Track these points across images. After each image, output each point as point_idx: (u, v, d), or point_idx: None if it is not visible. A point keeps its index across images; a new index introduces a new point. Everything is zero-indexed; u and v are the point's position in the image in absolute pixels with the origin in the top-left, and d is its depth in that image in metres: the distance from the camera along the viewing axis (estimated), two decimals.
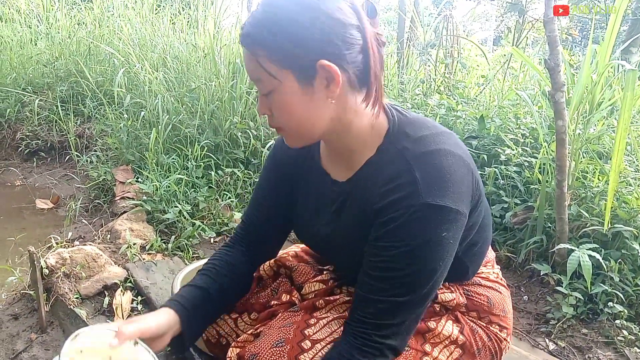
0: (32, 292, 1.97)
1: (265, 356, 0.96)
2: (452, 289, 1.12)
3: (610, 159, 2.55)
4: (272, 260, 1.27)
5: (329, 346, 0.97)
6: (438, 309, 1.10)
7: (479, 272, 1.18)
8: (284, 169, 1.19)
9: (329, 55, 0.89)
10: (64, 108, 4.16)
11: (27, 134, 4.19)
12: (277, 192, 1.21)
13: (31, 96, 4.34)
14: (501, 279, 1.24)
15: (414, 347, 1.01)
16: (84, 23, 5.15)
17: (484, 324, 1.15)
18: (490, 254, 1.25)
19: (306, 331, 1.00)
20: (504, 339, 1.18)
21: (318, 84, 0.91)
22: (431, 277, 0.93)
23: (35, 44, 5.08)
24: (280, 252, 1.31)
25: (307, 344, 0.97)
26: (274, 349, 0.96)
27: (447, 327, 1.07)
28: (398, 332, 0.94)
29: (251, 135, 3.19)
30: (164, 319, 1.05)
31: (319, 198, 1.12)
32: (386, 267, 0.93)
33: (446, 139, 0.96)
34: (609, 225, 2.03)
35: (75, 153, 3.58)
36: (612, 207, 2.00)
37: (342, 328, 0.99)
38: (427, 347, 1.03)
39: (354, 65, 0.92)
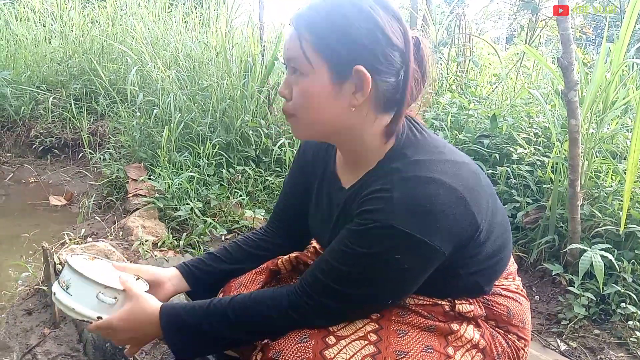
0: (45, 288, 2.00)
1: (291, 352, 0.96)
2: (471, 301, 1.10)
3: (625, 159, 2.52)
4: (291, 255, 1.29)
5: (354, 343, 0.97)
6: (458, 315, 1.09)
7: (499, 283, 1.17)
8: (306, 164, 1.26)
9: (368, 65, 0.93)
10: (77, 106, 4.20)
11: (41, 131, 4.23)
12: (297, 185, 1.30)
13: (45, 94, 4.39)
14: (522, 290, 1.22)
15: (437, 349, 1.00)
16: (97, 22, 5.19)
17: (502, 332, 1.14)
18: (512, 267, 1.24)
19: (330, 327, 1.00)
20: (522, 348, 1.16)
21: (347, 87, 0.94)
22: (365, 286, 0.96)
23: (50, 43, 5.13)
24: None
25: (331, 339, 0.97)
26: (299, 345, 0.96)
27: (469, 331, 1.06)
28: (324, 311, 0.99)
29: (262, 134, 3.20)
30: (163, 270, 1.21)
31: (330, 201, 1.15)
32: (333, 255, 0.98)
33: (446, 169, 0.94)
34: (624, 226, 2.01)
35: (89, 150, 3.62)
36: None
37: (365, 326, 1.00)
38: (450, 350, 1.02)
39: (385, 85, 0.95)
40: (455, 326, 1.05)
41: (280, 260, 1.28)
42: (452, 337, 1.04)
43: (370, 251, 0.92)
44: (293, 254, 1.29)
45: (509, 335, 1.14)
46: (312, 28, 0.94)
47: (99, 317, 1.05)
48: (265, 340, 1.02)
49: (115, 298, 1.08)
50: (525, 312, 1.19)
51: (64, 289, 1.06)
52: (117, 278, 1.13)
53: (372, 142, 1.01)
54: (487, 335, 1.09)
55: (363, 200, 0.96)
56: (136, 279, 1.17)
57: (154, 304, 1.07)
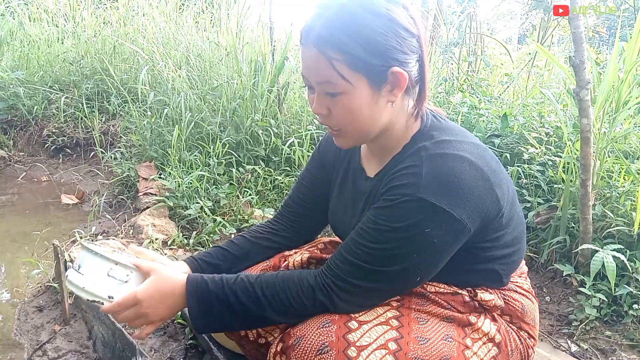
0: (56, 285, 2.01)
1: (313, 337, 0.96)
2: (491, 291, 1.13)
3: (638, 159, 2.49)
4: (304, 256, 1.27)
5: (376, 327, 0.98)
6: (477, 305, 1.11)
7: (514, 280, 1.19)
8: (326, 160, 1.29)
9: (399, 63, 0.95)
10: (89, 105, 4.23)
11: (54, 130, 4.28)
12: (316, 180, 1.32)
13: (58, 94, 4.43)
14: (533, 291, 1.24)
15: (456, 339, 1.02)
16: (109, 22, 5.23)
17: (515, 328, 1.16)
18: (524, 267, 1.26)
19: (351, 314, 1.01)
20: (531, 347, 1.18)
21: (385, 88, 0.97)
22: (399, 262, 0.96)
23: (62, 43, 5.18)
24: (308, 246, 1.36)
25: (353, 324, 0.98)
26: (321, 329, 0.96)
27: (486, 324, 1.08)
28: (352, 292, 0.99)
29: (272, 133, 3.21)
30: (175, 263, 1.21)
31: (355, 192, 1.18)
32: (363, 234, 0.98)
33: (472, 150, 0.98)
34: (638, 226, 1.99)
35: (100, 150, 3.64)
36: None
37: (386, 312, 1.02)
38: (468, 342, 1.04)
39: (412, 71, 0.98)
40: (473, 318, 1.07)
41: (292, 262, 1.27)
42: (470, 329, 1.06)
43: (400, 225, 0.94)
44: (305, 255, 1.27)
45: (521, 332, 1.16)
46: (340, 47, 0.93)
47: (110, 297, 1.02)
48: (287, 329, 1.02)
49: (127, 275, 1.05)
50: (536, 311, 1.21)
51: (76, 270, 1.05)
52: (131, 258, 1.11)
53: (400, 127, 1.05)
54: (502, 330, 1.11)
55: (391, 178, 0.98)
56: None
57: (178, 274, 1.06)
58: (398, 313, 1.02)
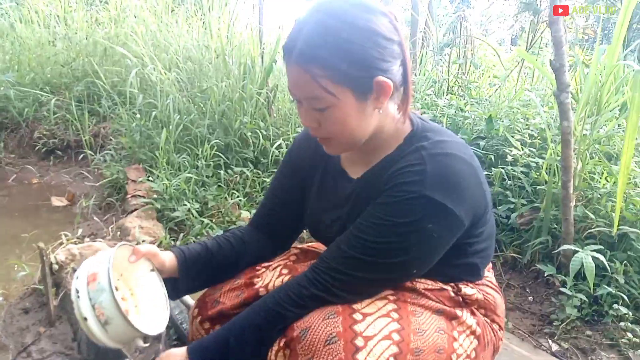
0: (42, 287, 2.02)
1: (319, 328, 0.98)
2: (472, 286, 1.18)
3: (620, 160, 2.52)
4: (284, 278, 1.24)
5: (379, 319, 1.01)
6: (461, 300, 1.15)
7: (486, 275, 1.24)
8: (300, 165, 1.28)
9: (382, 71, 0.97)
10: (80, 108, 4.23)
11: (44, 133, 4.27)
12: (290, 186, 1.30)
13: (48, 96, 4.42)
14: (498, 285, 1.30)
15: (446, 332, 1.06)
16: (101, 24, 5.23)
17: (489, 321, 1.21)
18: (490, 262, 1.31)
19: (354, 306, 1.04)
20: (500, 339, 1.24)
21: (371, 97, 0.99)
22: (399, 255, 1.00)
23: (54, 45, 5.17)
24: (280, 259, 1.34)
25: (358, 315, 1.01)
26: (327, 320, 0.99)
27: (469, 318, 1.13)
28: (348, 283, 1.03)
29: (261, 135, 3.22)
30: (167, 256, 1.19)
31: (336, 195, 1.19)
32: (364, 229, 1.02)
33: (465, 150, 1.04)
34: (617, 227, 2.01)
35: (90, 152, 3.65)
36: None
37: (386, 305, 1.05)
38: (455, 334, 1.09)
39: (396, 77, 1.00)
40: (459, 312, 1.12)
41: (269, 285, 1.24)
42: (456, 323, 1.11)
43: (404, 220, 0.98)
44: (286, 276, 1.24)
45: (493, 325, 1.21)
46: (322, 63, 0.94)
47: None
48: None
49: (147, 338, 1.06)
50: (503, 305, 1.27)
51: (100, 322, 0.99)
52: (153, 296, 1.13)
53: (390, 129, 1.08)
54: (481, 323, 1.16)
55: (394, 175, 1.01)
56: (151, 270, 1.17)
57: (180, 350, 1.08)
58: (396, 306, 1.06)
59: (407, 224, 0.98)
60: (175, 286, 1.22)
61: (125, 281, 1.16)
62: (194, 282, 1.25)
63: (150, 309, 1.15)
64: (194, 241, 2.51)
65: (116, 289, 1.03)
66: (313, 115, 1.01)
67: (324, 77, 0.94)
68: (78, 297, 1.00)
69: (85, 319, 0.99)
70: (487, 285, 1.22)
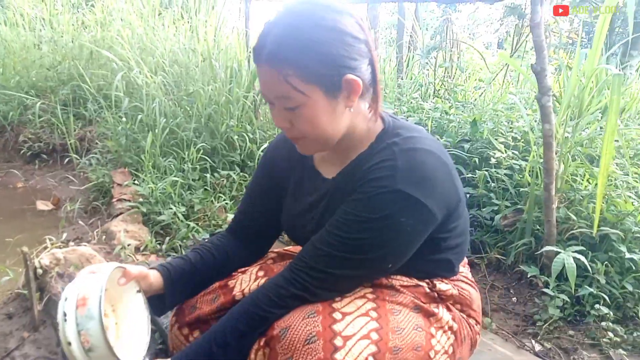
0: (25, 292, 2.01)
1: (299, 327, 0.99)
2: (447, 282, 1.20)
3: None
4: (260, 281, 1.25)
5: (358, 318, 1.02)
6: (436, 296, 1.17)
7: (461, 271, 1.26)
8: (276, 168, 1.29)
9: (351, 69, 0.99)
10: (65, 111, 4.21)
11: (30, 136, 4.25)
12: (266, 190, 1.31)
13: (34, 99, 4.40)
14: (474, 280, 1.32)
15: (424, 329, 1.08)
16: (87, 27, 5.21)
17: (465, 316, 1.23)
18: (465, 258, 1.32)
19: (334, 305, 1.05)
20: (477, 333, 1.26)
21: (341, 95, 1.01)
22: (374, 250, 1.02)
23: (39, 48, 5.14)
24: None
25: (337, 315, 1.02)
26: (307, 319, 1.00)
27: (446, 314, 1.15)
28: (326, 280, 1.05)
29: (247, 138, 3.23)
30: (153, 275, 1.20)
31: (311, 195, 1.21)
32: (339, 226, 1.04)
33: (436, 145, 1.07)
34: (597, 228, 2.04)
35: (75, 156, 3.63)
36: (600, 210, 2.01)
37: (365, 304, 1.07)
38: (432, 330, 1.11)
39: (365, 75, 1.02)
40: (435, 309, 1.14)
41: (247, 289, 1.25)
42: (433, 319, 1.13)
43: (377, 216, 1.00)
44: (262, 279, 1.25)
45: (469, 320, 1.23)
46: (291, 62, 0.96)
47: None
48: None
49: None
50: (479, 299, 1.29)
51: (83, 348, 0.98)
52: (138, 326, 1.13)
53: (362, 128, 1.10)
54: (457, 318, 1.18)
55: (367, 172, 1.04)
56: (137, 292, 1.17)
57: None
58: (375, 305, 1.07)
59: (380, 219, 1.00)
60: (161, 301, 1.23)
61: (109, 299, 1.15)
62: (179, 296, 1.26)
63: (132, 331, 1.15)
64: (180, 245, 2.51)
65: (105, 315, 1.03)
66: (285, 115, 1.03)
67: (293, 76, 0.96)
68: (65, 320, 0.99)
69: (70, 343, 0.98)
70: (462, 281, 1.24)
